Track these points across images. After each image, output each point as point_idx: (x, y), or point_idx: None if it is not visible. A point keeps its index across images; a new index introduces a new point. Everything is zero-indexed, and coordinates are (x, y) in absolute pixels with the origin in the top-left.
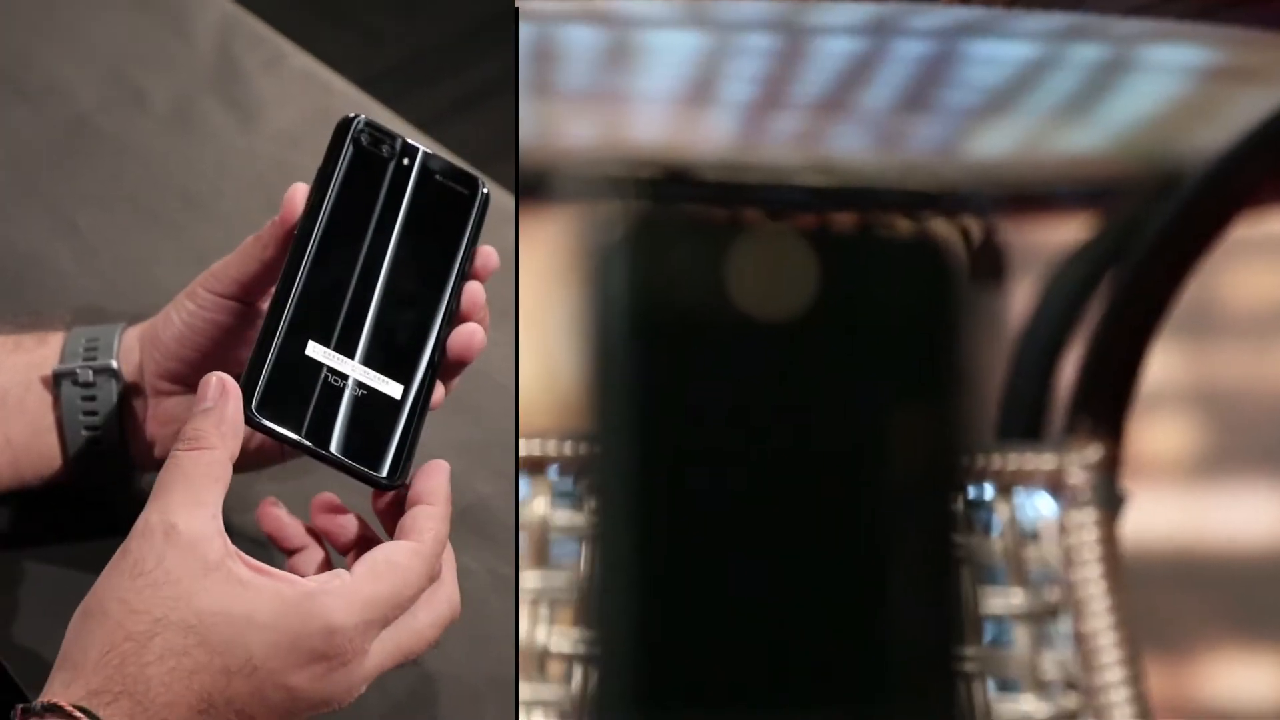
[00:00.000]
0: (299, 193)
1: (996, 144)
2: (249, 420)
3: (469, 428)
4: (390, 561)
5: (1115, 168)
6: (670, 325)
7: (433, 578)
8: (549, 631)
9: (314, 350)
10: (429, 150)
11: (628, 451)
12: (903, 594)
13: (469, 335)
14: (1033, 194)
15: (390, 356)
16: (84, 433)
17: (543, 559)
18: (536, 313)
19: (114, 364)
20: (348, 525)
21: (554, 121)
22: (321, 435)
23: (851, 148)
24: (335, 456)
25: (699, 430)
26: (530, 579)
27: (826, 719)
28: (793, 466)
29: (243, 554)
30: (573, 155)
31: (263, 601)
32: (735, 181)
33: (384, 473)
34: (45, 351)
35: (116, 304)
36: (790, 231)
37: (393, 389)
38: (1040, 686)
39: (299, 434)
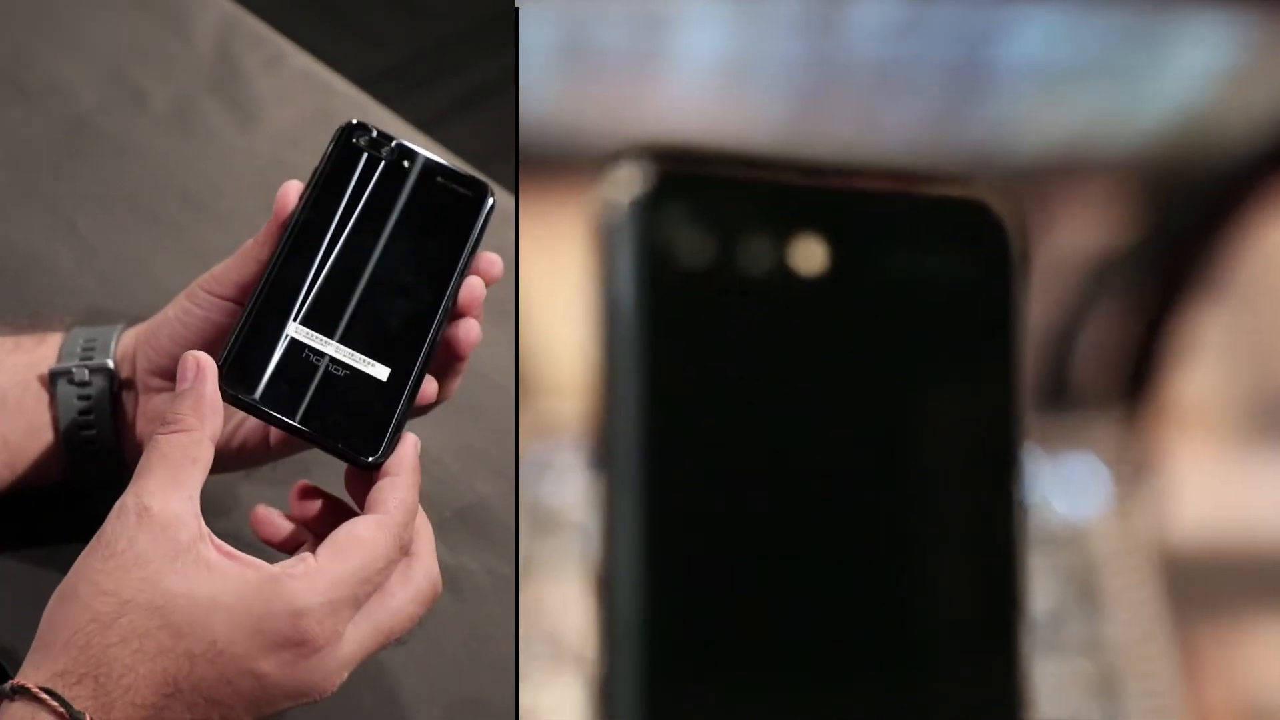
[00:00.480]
0: (292, 189)
1: (1038, 117)
2: (224, 396)
3: (469, 428)
4: (353, 537)
5: (1158, 138)
6: (696, 293)
7: (403, 549)
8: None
9: (295, 330)
10: (433, 156)
11: (648, 420)
12: (939, 565)
13: (465, 329)
14: (1074, 164)
15: (377, 341)
16: (80, 432)
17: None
18: (560, 279)
19: (110, 363)
20: (325, 509)
21: (575, 90)
22: (297, 410)
23: (892, 124)
24: (310, 431)
25: (727, 398)
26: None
27: (862, 693)
28: (826, 435)
29: (215, 538)
30: (595, 125)
31: (228, 585)
32: (766, 151)
33: (361, 450)
34: (44, 351)
35: (116, 304)
36: (822, 194)
37: (378, 371)
38: (1078, 663)
39: (274, 409)
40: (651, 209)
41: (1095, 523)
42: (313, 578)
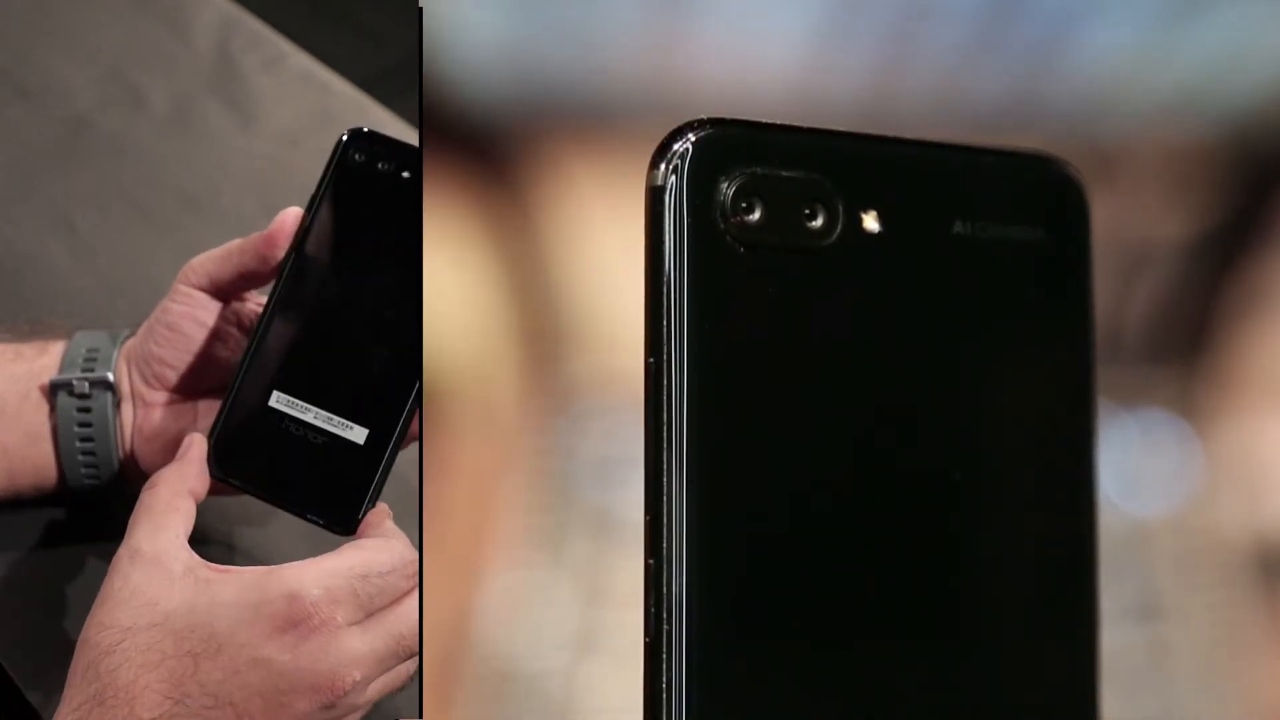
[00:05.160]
0: (289, 218)
1: (1125, 90)
2: (213, 475)
3: None
4: (356, 544)
5: (1243, 110)
6: (749, 257)
7: (410, 559)
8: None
9: (277, 400)
10: None
11: (698, 396)
12: (1008, 539)
13: None
14: (1161, 136)
15: (357, 403)
16: (78, 444)
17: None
18: (604, 245)
19: (110, 376)
20: None
21: (614, 54)
22: (277, 485)
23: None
24: (291, 506)
25: (785, 365)
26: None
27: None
28: (888, 401)
29: (211, 564)
30: (671, 85)
31: (228, 587)
32: (828, 125)
33: (337, 522)
34: (46, 361)
35: (114, 303)
36: (879, 155)
37: (356, 434)
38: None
39: (257, 488)
40: (701, 172)
41: (1169, 495)
42: (307, 567)
